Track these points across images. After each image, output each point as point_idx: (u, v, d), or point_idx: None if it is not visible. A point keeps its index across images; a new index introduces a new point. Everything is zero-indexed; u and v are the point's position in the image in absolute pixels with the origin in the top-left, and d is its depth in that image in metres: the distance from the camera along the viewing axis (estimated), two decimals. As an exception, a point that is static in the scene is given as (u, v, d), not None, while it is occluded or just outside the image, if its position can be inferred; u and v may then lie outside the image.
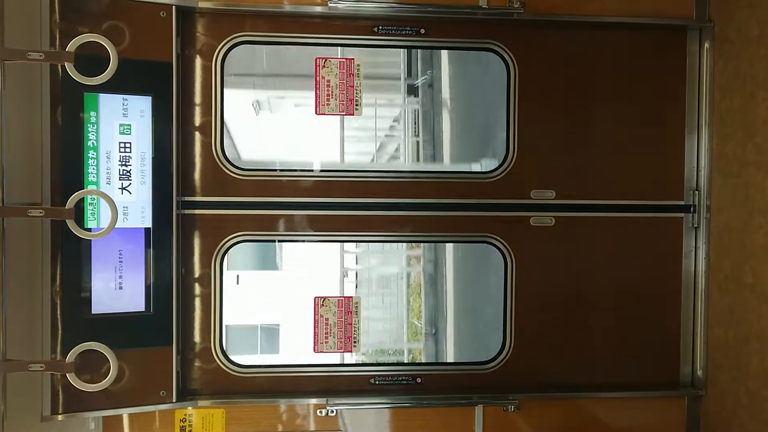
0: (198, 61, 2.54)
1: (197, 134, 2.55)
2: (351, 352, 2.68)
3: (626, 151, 2.71)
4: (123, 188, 2.36)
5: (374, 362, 2.74)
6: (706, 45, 2.69)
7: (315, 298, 2.67)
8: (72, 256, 2.30)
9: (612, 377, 2.73)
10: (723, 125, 2.62)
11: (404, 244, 3.62)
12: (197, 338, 2.57)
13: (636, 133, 2.71)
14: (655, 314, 2.74)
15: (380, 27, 2.61)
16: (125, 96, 2.36)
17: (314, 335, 2.66)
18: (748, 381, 2.45)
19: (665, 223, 2.74)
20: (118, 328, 2.36)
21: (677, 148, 2.73)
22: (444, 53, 3.47)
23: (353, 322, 2.67)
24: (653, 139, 2.72)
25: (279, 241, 2.73)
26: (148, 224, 2.41)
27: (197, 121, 2.54)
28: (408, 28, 2.61)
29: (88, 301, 2.33)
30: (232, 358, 2.60)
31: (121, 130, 2.36)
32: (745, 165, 2.49)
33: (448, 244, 3.55)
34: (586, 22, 2.65)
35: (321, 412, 2.56)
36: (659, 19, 2.67)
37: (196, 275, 2.56)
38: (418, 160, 3.82)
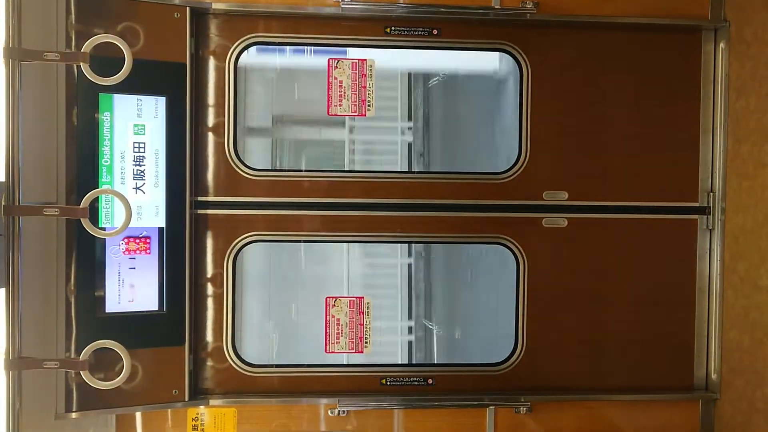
0: (212, 62, 2.55)
1: (211, 135, 2.56)
2: (362, 352, 2.68)
3: (640, 152, 2.69)
4: (137, 188, 2.38)
5: (386, 363, 2.74)
6: (722, 45, 2.66)
7: (326, 298, 2.68)
8: (86, 255, 2.32)
9: (625, 379, 2.71)
10: (738, 126, 2.60)
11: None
12: (210, 338, 2.59)
13: (650, 134, 2.69)
14: (668, 317, 2.72)
15: (393, 28, 2.61)
16: (139, 96, 2.38)
17: (325, 335, 2.67)
18: (763, 385, 2.42)
19: (679, 224, 2.72)
20: (131, 327, 2.38)
21: (692, 150, 2.71)
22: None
23: (365, 323, 2.68)
24: (668, 140, 2.70)
25: (291, 241, 2.74)
26: (162, 224, 2.42)
27: (211, 121, 2.56)
28: (421, 29, 2.61)
29: (102, 299, 2.35)
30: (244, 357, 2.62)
31: (135, 131, 2.38)
32: (761, 166, 2.46)
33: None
34: (600, 23, 2.64)
35: (332, 412, 2.56)
36: (674, 19, 2.65)
37: (209, 275, 2.58)
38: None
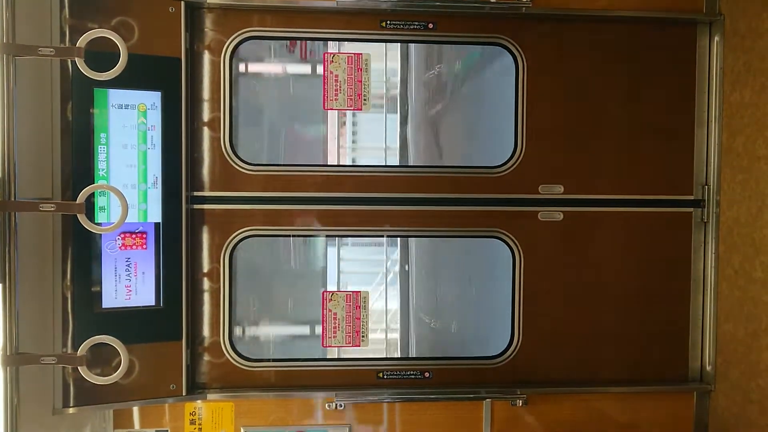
0: (207, 57, 2.55)
1: (206, 129, 2.56)
2: (359, 346, 2.69)
3: (635, 145, 2.70)
4: (133, 183, 2.38)
5: (383, 356, 2.76)
6: (717, 39, 2.67)
7: (323, 292, 2.68)
8: (82, 251, 2.32)
9: (620, 372, 2.72)
10: (733, 119, 2.60)
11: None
12: (206, 332, 2.59)
13: (645, 127, 2.70)
14: (663, 309, 2.73)
15: (388, 21, 2.61)
16: (135, 91, 2.37)
17: (322, 330, 2.68)
18: (758, 376, 2.44)
19: (674, 218, 2.73)
20: (128, 322, 2.38)
21: (687, 143, 2.72)
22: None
23: (361, 317, 2.68)
24: (662, 134, 2.71)
25: (288, 236, 2.74)
26: (158, 219, 2.42)
27: (206, 116, 2.56)
28: (416, 23, 2.61)
29: (99, 295, 2.35)
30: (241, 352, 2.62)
31: (130, 126, 2.37)
32: (756, 159, 2.47)
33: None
34: (595, 16, 2.64)
35: (329, 405, 2.57)
36: (669, 12, 2.65)
37: (206, 270, 2.58)
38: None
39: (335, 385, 2.63)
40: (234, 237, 2.58)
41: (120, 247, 2.37)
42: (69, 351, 2.29)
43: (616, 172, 2.70)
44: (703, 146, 2.72)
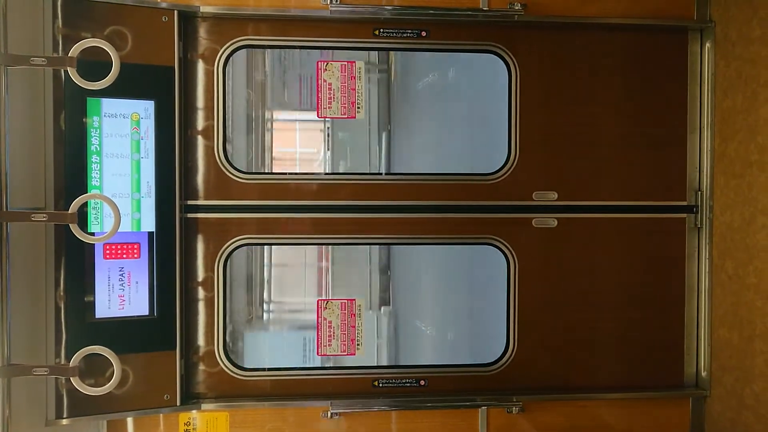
0: (200, 66, 2.55)
1: (200, 138, 2.55)
2: (354, 354, 2.68)
3: (628, 152, 2.71)
4: (126, 193, 2.37)
5: (378, 365, 2.75)
6: (708, 45, 2.69)
7: (318, 300, 2.68)
8: (75, 261, 2.30)
9: (616, 378, 2.72)
10: (725, 126, 2.62)
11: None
12: (201, 342, 2.58)
13: (638, 134, 2.71)
14: (658, 315, 2.74)
15: (381, 30, 2.61)
16: (128, 101, 2.37)
17: (317, 338, 2.67)
18: (753, 382, 2.44)
19: (668, 223, 2.74)
20: (121, 332, 2.36)
21: (679, 149, 2.73)
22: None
23: (356, 325, 2.68)
24: (655, 140, 2.72)
25: (283, 244, 2.73)
26: (152, 228, 2.41)
27: (200, 125, 2.55)
28: (409, 31, 2.62)
29: (92, 305, 2.34)
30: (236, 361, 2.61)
31: (123, 135, 2.37)
32: (748, 165, 2.49)
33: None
34: (587, 24, 2.65)
35: (325, 414, 2.56)
36: (660, 20, 2.67)
37: (200, 279, 2.57)
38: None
39: (331, 393, 2.62)
40: (228, 246, 2.58)
41: (113, 257, 2.36)
42: (62, 362, 2.27)
43: (610, 178, 2.71)
44: (696, 152, 2.73)
